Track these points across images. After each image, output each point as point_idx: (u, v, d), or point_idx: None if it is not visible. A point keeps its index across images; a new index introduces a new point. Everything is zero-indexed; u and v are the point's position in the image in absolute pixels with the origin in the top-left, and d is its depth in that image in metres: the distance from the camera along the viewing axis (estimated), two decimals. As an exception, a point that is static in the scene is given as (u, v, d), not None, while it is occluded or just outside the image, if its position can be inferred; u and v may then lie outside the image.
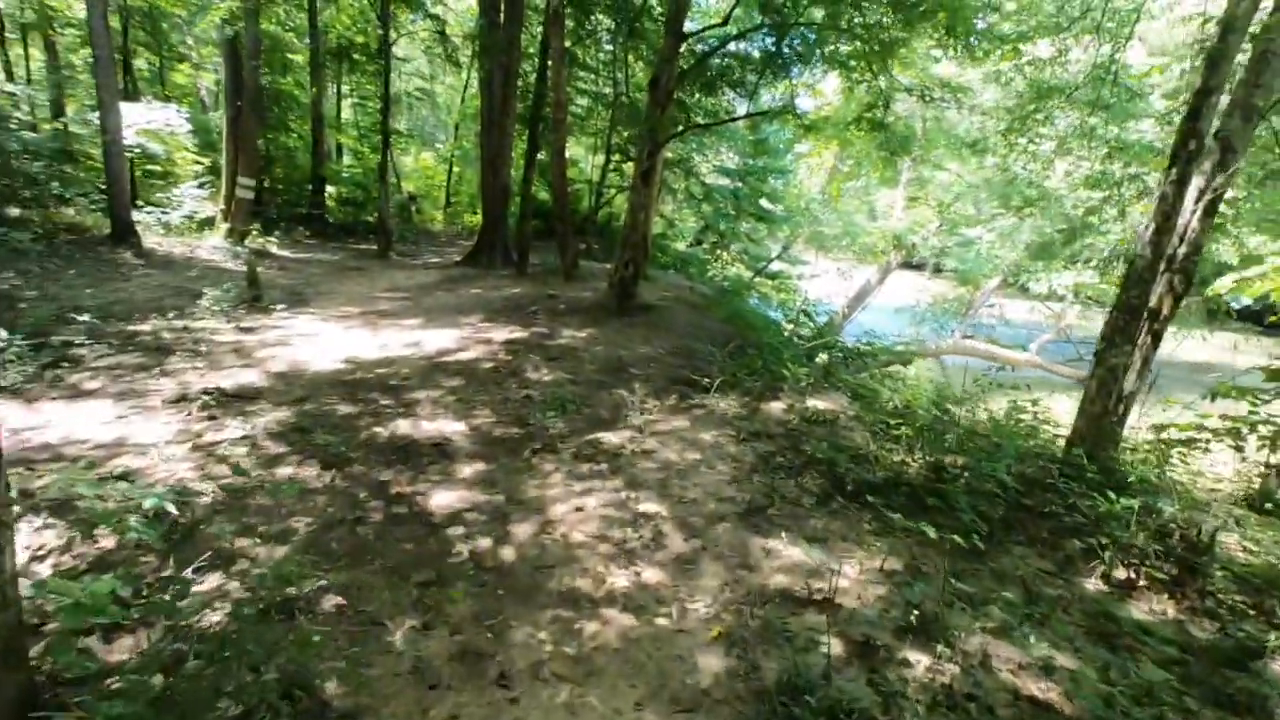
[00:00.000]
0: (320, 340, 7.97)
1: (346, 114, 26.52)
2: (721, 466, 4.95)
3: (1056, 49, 9.07)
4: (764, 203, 16.93)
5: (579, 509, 4.20)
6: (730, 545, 3.85)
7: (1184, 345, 23.30)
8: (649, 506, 4.25)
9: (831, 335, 15.92)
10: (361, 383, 6.44)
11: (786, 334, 13.54)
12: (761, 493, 4.51)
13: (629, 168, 23.12)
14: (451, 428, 5.45)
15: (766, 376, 6.75)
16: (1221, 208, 6.10)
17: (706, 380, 6.83)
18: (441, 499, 4.25)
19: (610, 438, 5.40)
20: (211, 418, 5.24)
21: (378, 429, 5.32)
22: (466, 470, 4.70)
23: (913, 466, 5.02)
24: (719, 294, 14.44)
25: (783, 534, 3.93)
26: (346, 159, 25.65)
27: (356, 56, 19.62)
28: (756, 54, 9.67)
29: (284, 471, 4.41)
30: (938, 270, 19.37)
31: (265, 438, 4.90)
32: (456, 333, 8.60)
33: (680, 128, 9.90)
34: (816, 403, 6.42)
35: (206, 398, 5.60)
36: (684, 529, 4.00)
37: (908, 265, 17.20)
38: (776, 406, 6.28)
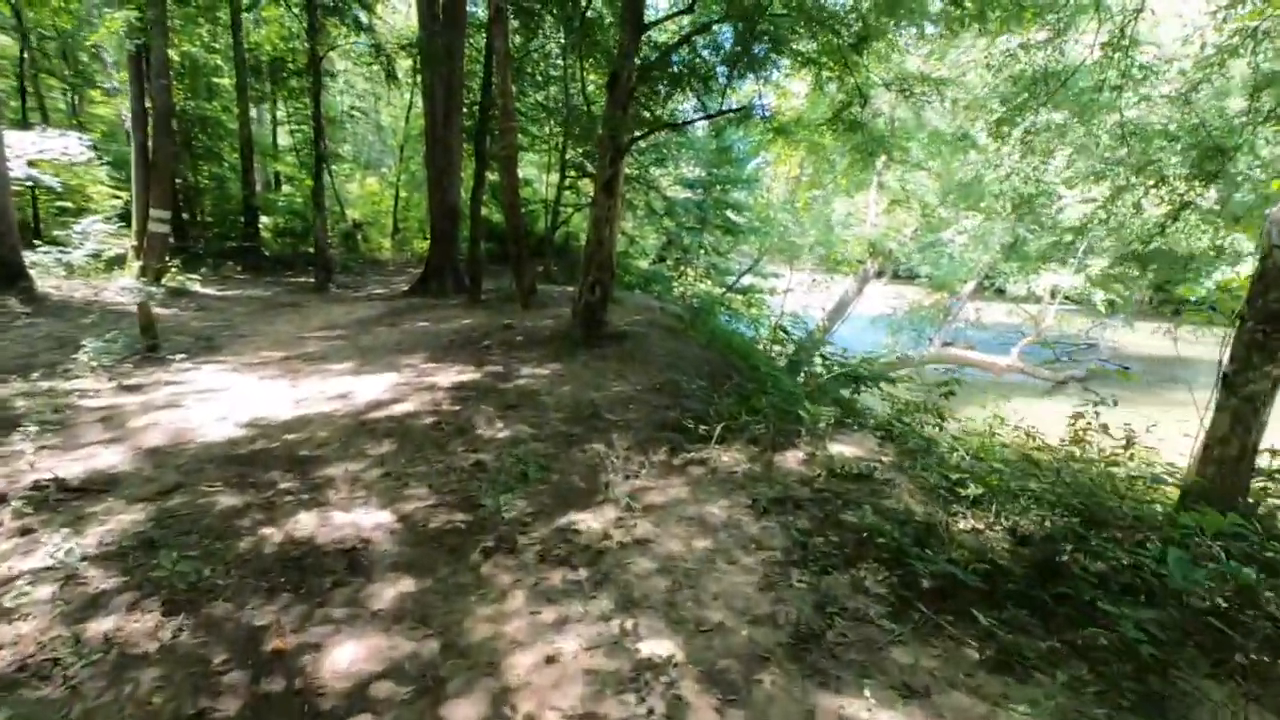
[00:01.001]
0: (222, 398, 6.39)
1: (284, 140, 24.76)
2: (745, 559, 3.56)
3: (1055, 28, 8.03)
4: (730, 214, 15.78)
5: (551, 659, 2.76)
6: (788, 715, 2.46)
7: (1152, 340, 22.85)
8: (655, 646, 2.84)
9: (815, 351, 14.76)
10: (261, 457, 4.91)
11: (782, 359, 12.31)
12: (811, 604, 3.13)
13: (586, 185, 21.84)
14: (373, 520, 3.97)
15: (773, 417, 5.41)
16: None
17: (703, 428, 5.46)
18: (342, 658, 2.77)
19: (589, 521, 3.98)
20: (26, 531, 3.66)
21: (268, 529, 3.80)
22: (387, 595, 3.23)
23: (994, 538, 3.72)
24: (691, 313, 13.14)
25: (863, 686, 2.56)
26: (287, 188, 23.86)
27: (286, 73, 17.92)
28: (726, 45, 8.42)
29: (101, 626, 2.88)
30: (912, 277, 18.46)
31: (91, 564, 3.35)
32: (394, 378, 7.10)
33: (644, 129, 8.58)
34: (840, 448, 5.09)
35: (34, 495, 4.02)
36: (713, 688, 2.60)
37: (893, 274, 16.23)
38: (793, 457, 4.93)
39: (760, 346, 13.68)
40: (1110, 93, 7.61)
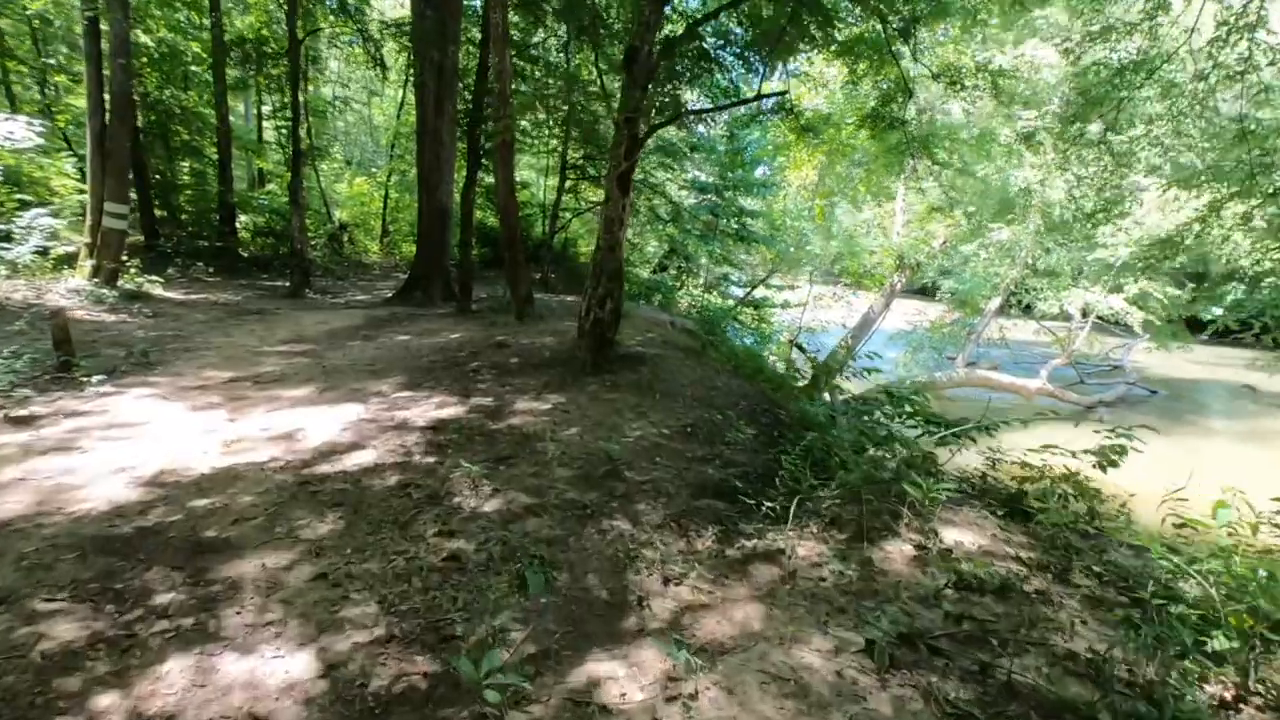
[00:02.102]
0: (134, 439, 4.89)
1: (271, 136, 23.22)
2: (889, 777, 2.12)
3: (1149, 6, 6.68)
4: (743, 221, 14.40)
5: None
6: None
7: (1170, 360, 21.58)
8: None
9: (834, 371, 13.36)
10: (147, 541, 3.42)
11: (798, 381, 10.87)
12: None
13: (586, 190, 20.44)
14: (282, 672, 2.49)
15: (864, 487, 3.96)
16: None
17: (763, 501, 4.01)
18: None
19: (620, 680, 2.51)
20: None
21: (106, 698, 2.33)
22: None
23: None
24: (704, 328, 11.73)
25: None
26: (272, 186, 22.31)
27: (265, 57, 16.38)
28: (765, 14, 7.02)
29: None
30: (931, 292, 17.12)
31: None
32: (358, 411, 5.62)
33: (666, 116, 7.16)
34: (954, 534, 3.66)
35: None
36: None
37: (912, 289, 14.86)
38: (896, 552, 3.49)
39: (772, 364, 12.30)
40: (1221, 81, 6.27)
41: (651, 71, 6.87)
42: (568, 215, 19.99)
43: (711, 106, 7.66)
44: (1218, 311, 20.67)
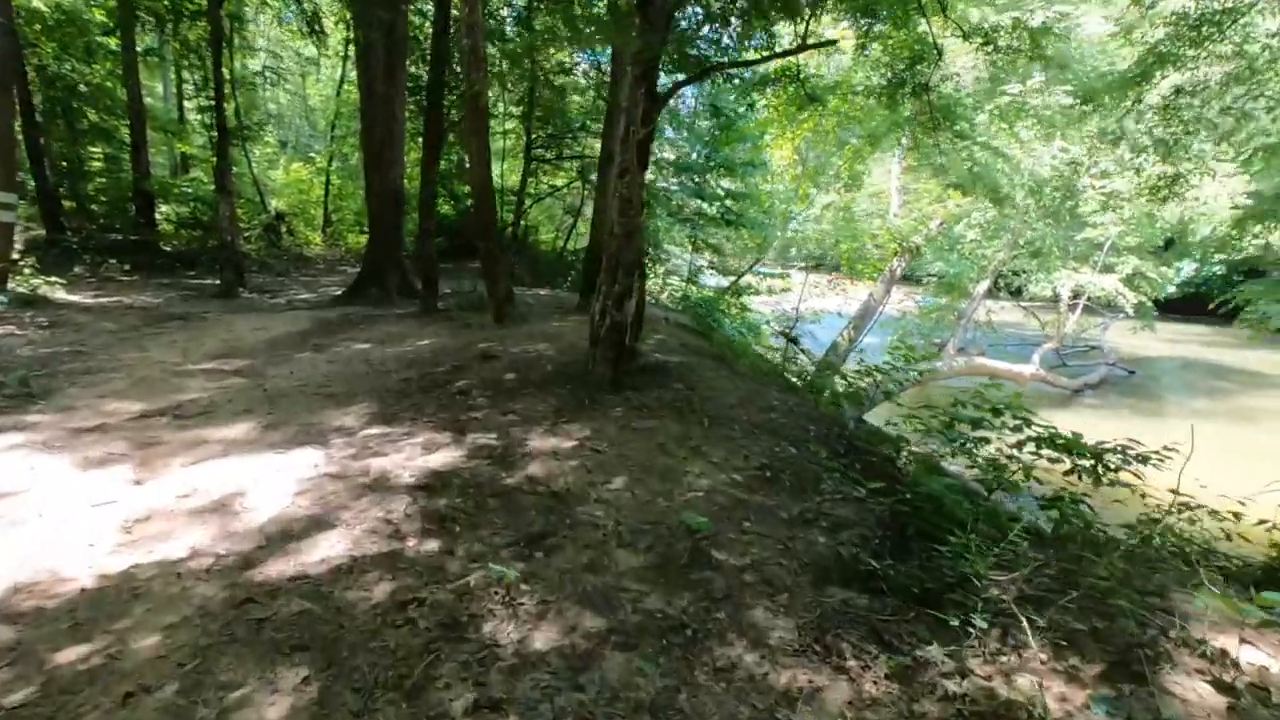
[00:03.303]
0: (-21, 524, 3.30)
1: (192, 117, 20.67)
2: None
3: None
4: (731, 204, 13.12)
5: None
6: None
7: (1136, 339, 21.41)
8: None
9: (836, 366, 12.25)
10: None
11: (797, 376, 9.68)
12: None
13: (548, 174, 18.82)
14: None
15: (1115, 591, 2.71)
16: None
17: (959, 613, 2.73)
18: None
19: None
20: None
21: None
22: None
23: None
24: (700, 323, 10.46)
25: None
26: (197, 173, 19.87)
27: (183, 12, 14.15)
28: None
29: None
30: (918, 279, 16.22)
31: None
32: (317, 460, 4.12)
33: (694, 69, 5.73)
34: (1254, 655, 2.45)
35: None
36: None
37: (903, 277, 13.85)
38: (1194, 699, 2.26)
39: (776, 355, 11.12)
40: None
41: (671, 13, 5.47)
42: (529, 202, 18.44)
43: (751, 59, 6.29)
44: (1170, 290, 20.56)
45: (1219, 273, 25.29)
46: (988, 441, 4.29)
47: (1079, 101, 7.34)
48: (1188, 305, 25.25)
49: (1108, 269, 14.70)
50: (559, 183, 19.30)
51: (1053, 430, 4.25)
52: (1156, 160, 7.41)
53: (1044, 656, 2.44)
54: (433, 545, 3.11)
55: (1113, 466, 3.91)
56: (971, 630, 2.59)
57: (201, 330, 8.35)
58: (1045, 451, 4.04)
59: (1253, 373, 19.32)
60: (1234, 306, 27.34)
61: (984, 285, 15.32)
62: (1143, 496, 3.74)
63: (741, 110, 12.75)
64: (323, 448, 4.35)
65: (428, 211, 9.96)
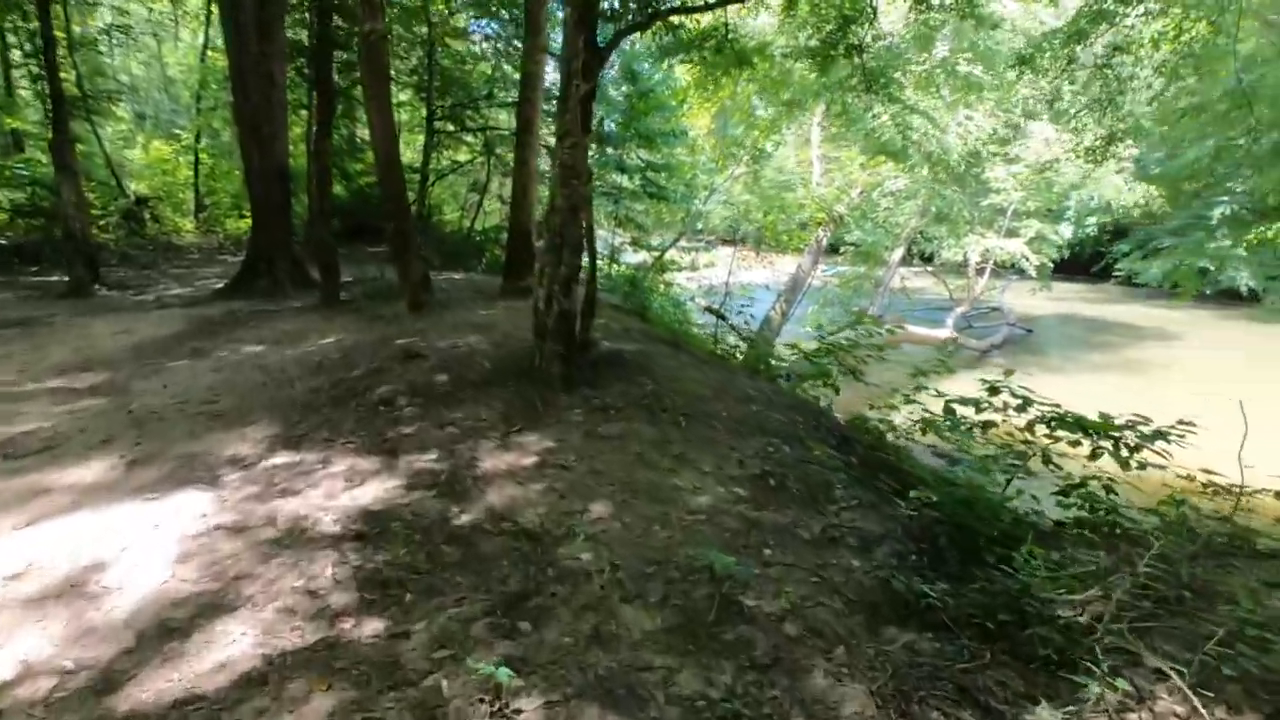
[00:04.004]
0: None
1: (25, 92, 17.71)
2: None
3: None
4: (651, 175, 12.43)
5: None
6: None
7: (1025, 299, 22.57)
8: None
9: (771, 337, 11.91)
10: None
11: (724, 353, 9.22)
12: None
13: (450, 148, 17.46)
14: None
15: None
16: None
17: (1048, 649, 2.22)
18: None
19: None
20: None
21: None
22: None
23: None
24: (632, 301, 9.77)
25: None
26: (37, 152, 17.09)
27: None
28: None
29: None
30: (834, 249, 16.16)
31: None
32: (205, 507, 3.17)
33: (634, 14, 4.96)
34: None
35: None
36: None
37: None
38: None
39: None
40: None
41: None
42: (433, 178, 17.07)
43: (700, 4, 5.55)
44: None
45: (1092, 234, 26.97)
46: (993, 425, 3.90)
47: (1014, 64, 7.16)
48: (1067, 265, 26.83)
49: (1012, 233, 15.16)
50: (462, 158, 17.97)
51: (1057, 408, 3.89)
52: (1089, 123, 7.38)
53: (1181, 710, 1.97)
54: (378, 625, 2.31)
55: (1131, 445, 3.56)
56: (1079, 679, 2.10)
57: (46, 338, 6.88)
58: (1061, 433, 3.67)
59: (1129, 325, 20.75)
60: (1104, 265, 29.37)
61: (899, 253, 15.46)
62: (1169, 474, 3.42)
63: (659, 77, 12.05)
64: (212, 488, 3.39)
65: (323, 189, 8.68)
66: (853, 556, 2.83)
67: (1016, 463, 3.63)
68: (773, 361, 6.95)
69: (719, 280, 14.26)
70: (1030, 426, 3.77)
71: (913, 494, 2.98)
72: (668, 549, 2.78)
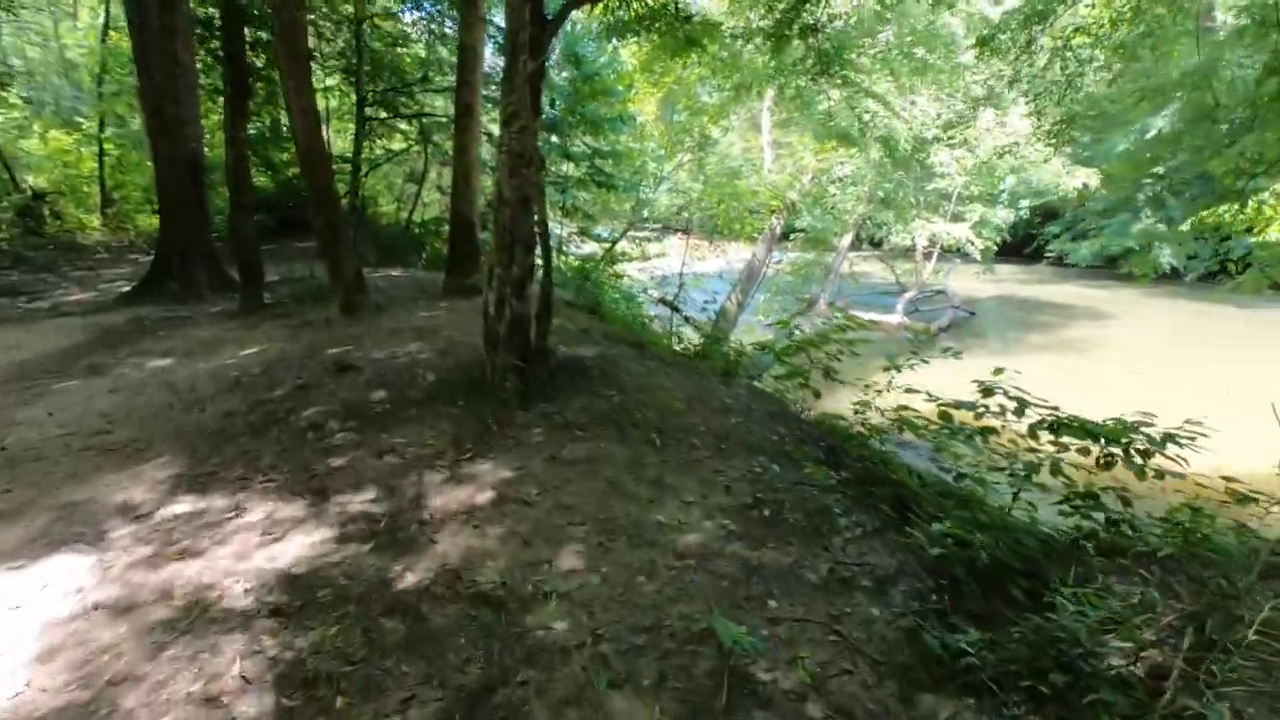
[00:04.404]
0: None
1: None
2: None
3: None
4: (599, 164, 11.88)
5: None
6: None
7: (965, 282, 22.96)
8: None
9: (727, 329, 11.56)
10: None
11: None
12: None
13: (382, 136, 16.46)
14: None
15: None
16: None
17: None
18: None
19: None
20: None
21: None
22: None
23: None
24: (585, 296, 9.26)
25: None
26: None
27: None
28: None
29: None
30: (785, 235, 15.92)
31: None
32: (84, 576, 2.54)
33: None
34: None
35: None
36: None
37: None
38: None
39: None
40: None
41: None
42: (366, 168, 16.09)
43: None
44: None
45: (1025, 218, 27.63)
46: (994, 431, 3.59)
47: (975, 44, 6.94)
48: (1002, 247, 27.48)
49: (957, 218, 15.23)
50: (397, 146, 17.00)
51: (1056, 411, 3.61)
52: (1049, 106, 7.25)
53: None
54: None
55: (1142, 450, 3.28)
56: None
57: (-89, 357, 5.93)
58: (1067, 438, 3.38)
59: (1063, 305, 21.32)
60: (1036, 247, 30.16)
61: (848, 238, 15.35)
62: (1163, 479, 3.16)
63: (604, 60, 11.48)
64: (94, 549, 2.76)
65: (241, 180, 7.82)
66: (869, 603, 2.44)
67: (1022, 472, 3.32)
68: (744, 361, 6.56)
69: (671, 270, 13.86)
70: (1033, 432, 3.46)
71: (936, 528, 2.60)
72: (658, 608, 2.33)
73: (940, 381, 4.41)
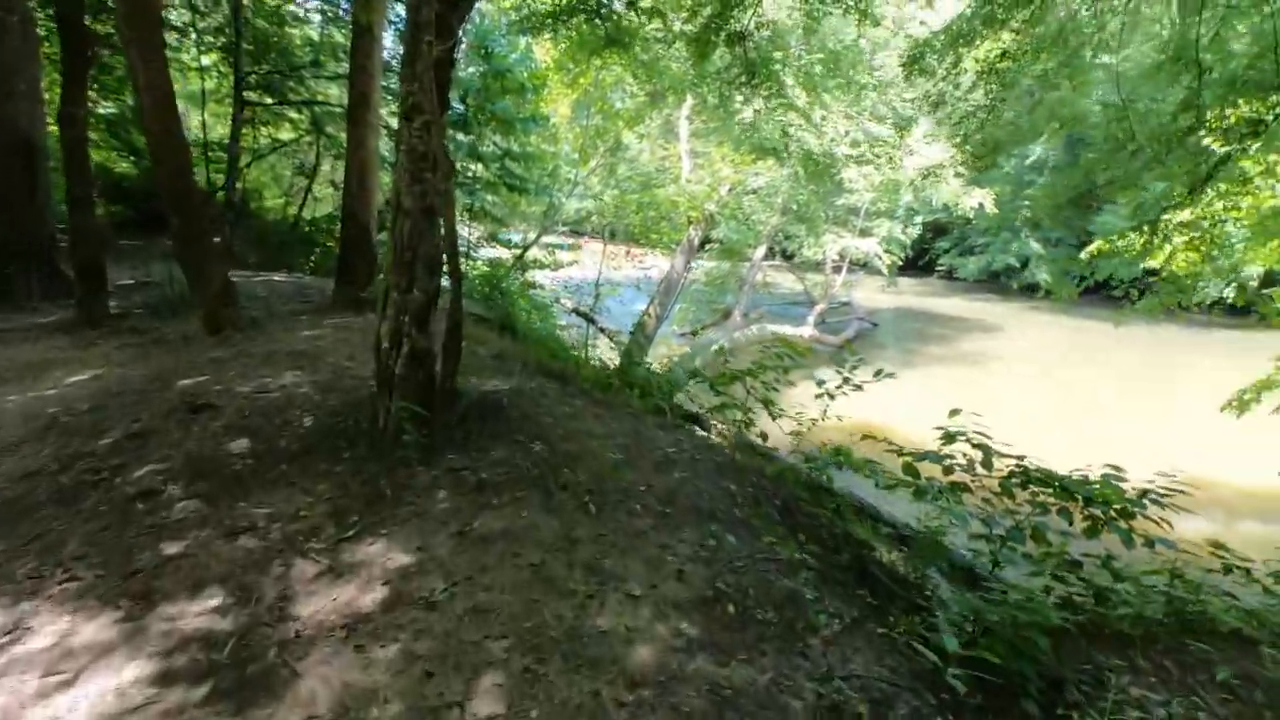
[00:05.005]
0: None
1: None
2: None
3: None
4: (511, 165, 11.06)
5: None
6: None
7: (863, 293, 23.67)
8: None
9: (645, 344, 11.05)
10: None
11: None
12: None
13: (269, 125, 14.89)
14: None
15: None
16: None
17: None
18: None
19: None
20: None
21: None
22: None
23: None
24: (488, 306, 8.49)
25: None
26: None
27: None
28: None
29: None
30: (703, 246, 15.63)
31: None
32: None
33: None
34: None
35: None
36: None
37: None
38: None
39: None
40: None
41: None
42: (245, 160, 14.55)
43: None
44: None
45: (918, 233, 28.99)
46: (966, 489, 3.23)
47: (904, 64, 6.78)
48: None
49: (865, 233, 15.47)
50: (285, 136, 15.45)
51: (1022, 460, 3.30)
52: (973, 128, 7.24)
53: None
54: None
55: (1118, 507, 2.99)
56: None
57: None
58: (1044, 497, 3.05)
59: (957, 317, 22.34)
60: (928, 261, 31.70)
61: (761, 250, 15.27)
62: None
63: (515, 56, 10.70)
64: None
65: (78, 166, 6.50)
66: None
67: (1001, 535, 2.97)
68: (667, 382, 6.03)
69: (585, 276, 13.20)
70: (1007, 490, 3.12)
71: (949, 644, 2.13)
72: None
73: (871, 403, 4.23)
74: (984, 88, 6.56)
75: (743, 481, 3.47)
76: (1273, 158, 5.79)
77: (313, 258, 11.10)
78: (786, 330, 14.35)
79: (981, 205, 14.82)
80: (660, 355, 12.29)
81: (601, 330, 11.46)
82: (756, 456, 4.41)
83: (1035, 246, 25.23)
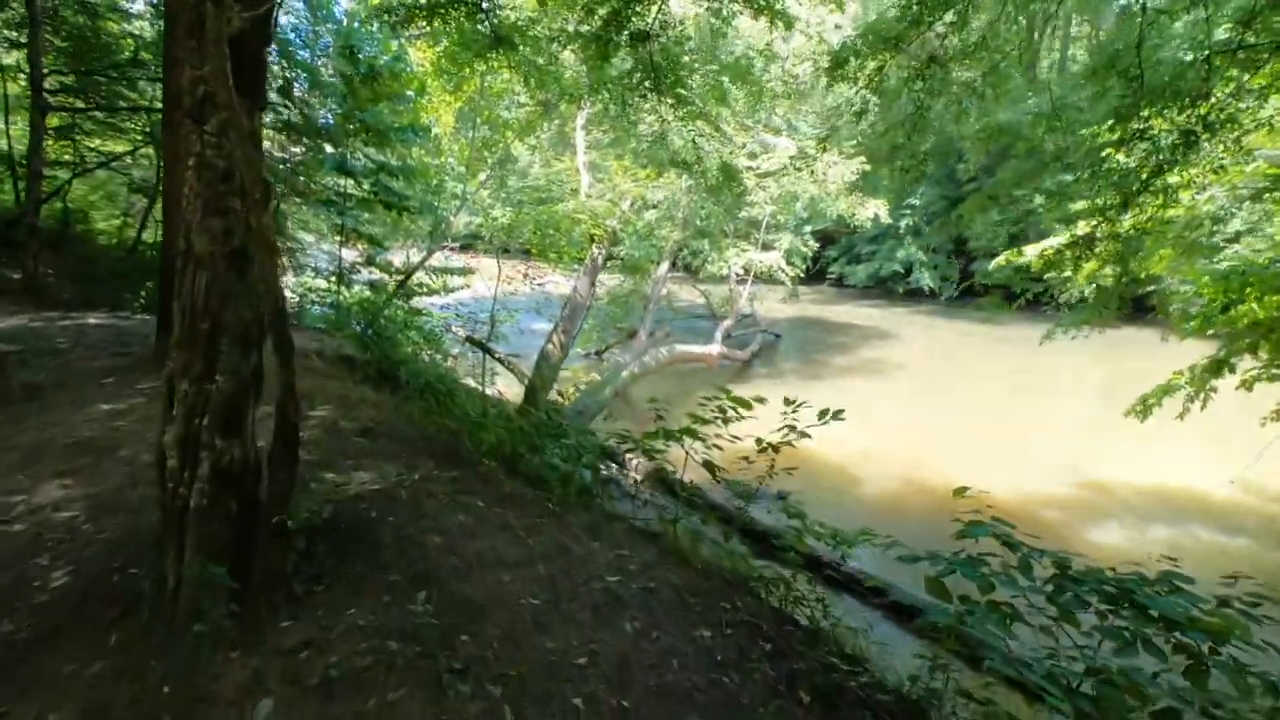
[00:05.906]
0: None
1: None
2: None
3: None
4: (387, 180, 9.63)
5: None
6: None
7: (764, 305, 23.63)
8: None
9: (551, 376, 9.93)
10: None
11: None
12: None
13: (96, 137, 12.58)
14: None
15: None
16: None
17: None
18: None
19: None
20: None
21: None
22: None
23: None
24: (362, 344, 7.11)
25: None
26: None
27: None
28: None
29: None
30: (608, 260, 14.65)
31: None
32: None
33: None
34: None
35: None
36: None
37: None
38: None
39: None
40: None
41: None
42: (63, 175, 12.28)
43: None
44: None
45: (811, 243, 29.43)
46: (1011, 612, 2.42)
47: (828, 69, 6.17)
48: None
49: (767, 246, 15.11)
50: (120, 148, 13.16)
51: (1064, 558, 2.56)
52: (901, 139, 6.75)
53: None
54: None
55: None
56: None
57: None
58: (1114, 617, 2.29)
59: (853, 325, 22.61)
60: (819, 268, 32.33)
61: (664, 266, 14.55)
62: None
63: (386, 59, 9.34)
64: None
65: None
66: None
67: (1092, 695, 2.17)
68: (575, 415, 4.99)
69: (479, 295, 11.88)
70: (1068, 617, 2.34)
71: None
72: None
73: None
74: (908, 93, 6.04)
75: (716, 616, 2.50)
76: (1193, 170, 5.62)
77: (144, 293, 9.19)
78: (695, 349, 13.65)
79: (876, 215, 14.85)
80: (566, 381, 11.25)
81: (499, 360, 10.25)
82: (709, 554, 3.45)
83: (919, 253, 26.19)
